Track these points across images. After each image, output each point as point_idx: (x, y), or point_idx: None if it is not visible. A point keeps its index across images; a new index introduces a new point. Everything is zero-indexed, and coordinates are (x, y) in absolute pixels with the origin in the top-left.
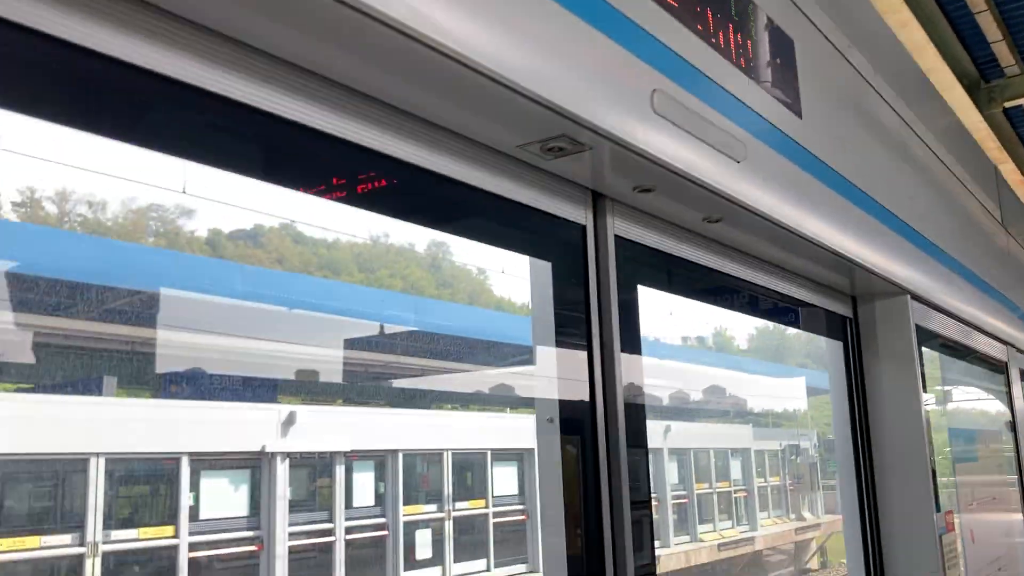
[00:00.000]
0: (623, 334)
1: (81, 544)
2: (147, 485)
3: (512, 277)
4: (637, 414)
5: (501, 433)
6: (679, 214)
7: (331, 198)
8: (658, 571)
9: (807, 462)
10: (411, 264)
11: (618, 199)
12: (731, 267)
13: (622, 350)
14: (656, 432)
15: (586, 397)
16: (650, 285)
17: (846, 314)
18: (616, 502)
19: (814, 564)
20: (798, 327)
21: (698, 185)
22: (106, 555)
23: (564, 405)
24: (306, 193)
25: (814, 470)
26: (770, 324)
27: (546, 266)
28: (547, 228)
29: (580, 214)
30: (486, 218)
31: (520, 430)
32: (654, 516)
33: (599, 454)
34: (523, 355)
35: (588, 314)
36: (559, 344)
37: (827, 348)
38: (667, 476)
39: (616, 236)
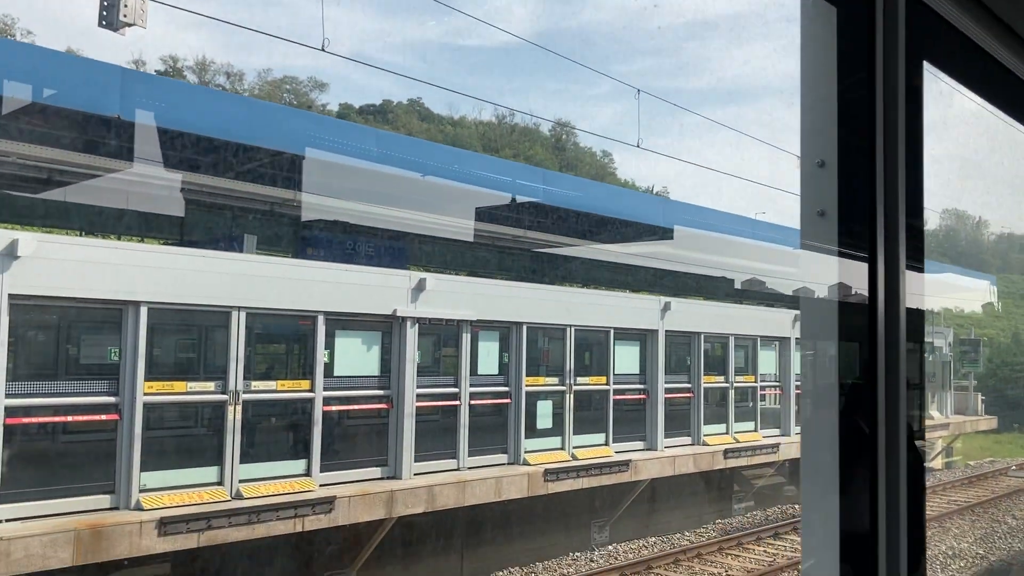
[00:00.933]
0: (907, 124)
1: (223, 392)
2: (284, 341)
3: (645, 152)
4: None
5: (623, 312)
6: None
7: None
8: (784, 457)
9: (940, 360)
10: (535, 144)
11: None
12: None
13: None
14: (785, 321)
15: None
16: (942, 68)
17: None
18: (891, 385)
19: (937, 464)
20: None
21: None
22: (246, 403)
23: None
24: None
25: (946, 369)
26: None
27: (828, 12)
28: None
29: None
30: None
31: (643, 310)
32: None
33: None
34: (657, 234)
35: (871, 90)
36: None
37: None
38: (793, 366)
39: None
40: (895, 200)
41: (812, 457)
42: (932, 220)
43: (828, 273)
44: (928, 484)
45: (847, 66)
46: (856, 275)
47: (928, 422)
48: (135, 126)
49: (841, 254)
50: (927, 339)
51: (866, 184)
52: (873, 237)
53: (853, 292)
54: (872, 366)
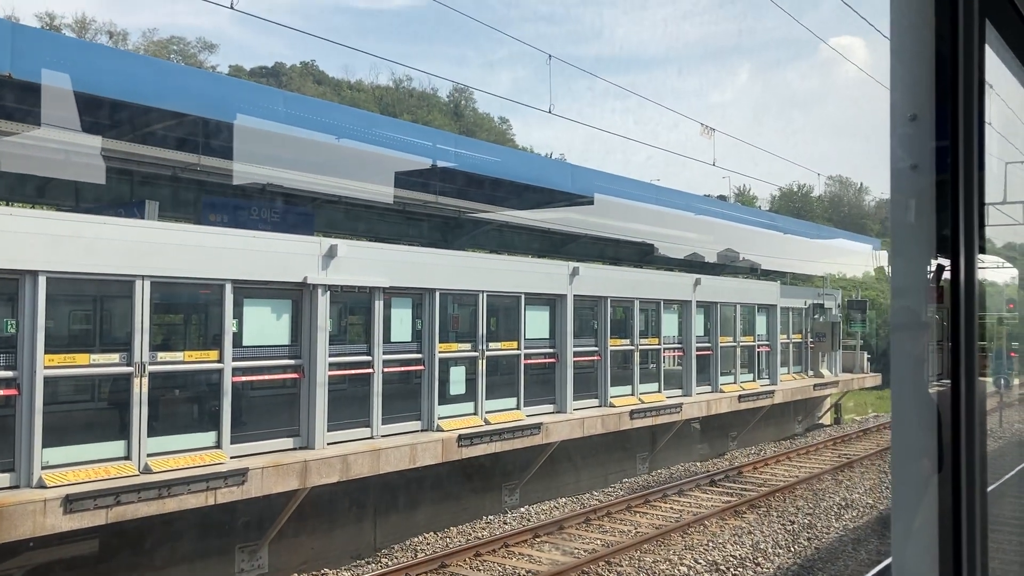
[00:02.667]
0: (979, 80)
1: (128, 364)
2: (191, 310)
3: (543, 119)
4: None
5: (534, 277)
6: None
7: None
8: (687, 417)
9: (829, 320)
10: (433, 110)
11: None
12: None
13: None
14: (687, 285)
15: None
16: (999, 30)
17: None
18: (970, 352)
19: (827, 420)
20: None
21: None
22: (153, 375)
23: None
24: None
25: (835, 329)
26: (794, 185)
27: None
28: None
29: None
30: None
31: (553, 276)
32: (669, 367)
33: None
34: (563, 201)
35: (955, 44)
36: None
37: None
38: (694, 328)
39: None
40: (972, 155)
41: (906, 433)
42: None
43: (924, 229)
44: (821, 440)
45: (940, 18)
46: (945, 231)
47: (818, 380)
48: (27, 85)
49: (937, 208)
50: (818, 301)
51: (957, 138)
52: (955, 192)
53: (942, 250)
54: (955, 331)
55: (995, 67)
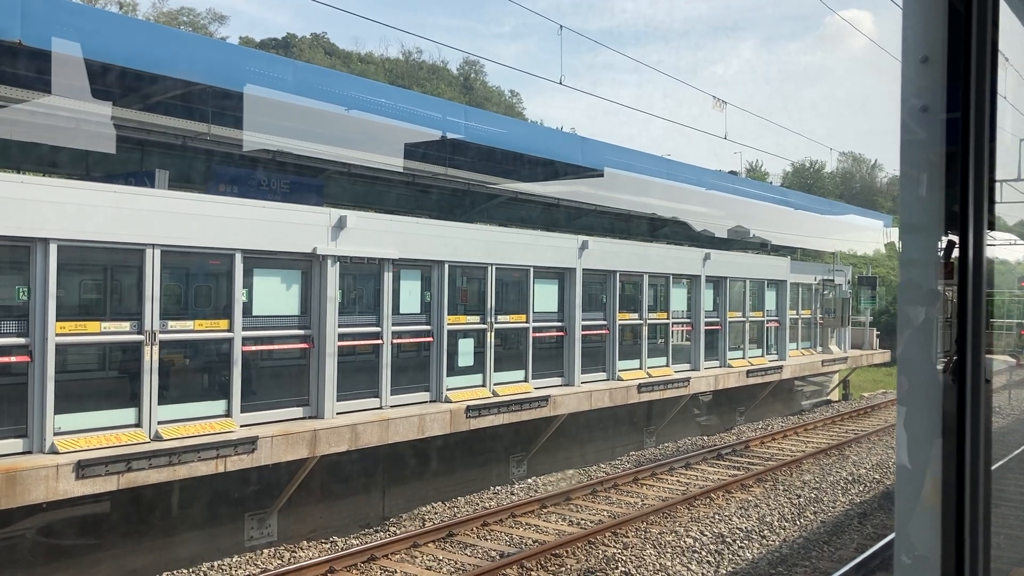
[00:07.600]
0: (992, 24)
1: (139, 332)
2: (201, 279)
3: (550, 93)
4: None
5: (543, 251)
6: None
7: None
8: (695, 391)
9: (839, 296)
10: (440, 82)
11: None
12: None
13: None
14: (696, 259)
15: None
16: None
17: None
18: (976, 327)
19: (835, 396)
20: None
21: None
22: (163, 343)
23: None
24: None
25: (845, 305)
26: (807, 161)
27: None
28: None
29: None
30: None
31: (562, 249)
32: (675, 341)
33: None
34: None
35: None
36: None
37: None
38: (703, 303)
39: None
40: (983, 97)
41: (911, 407)
42: None
43: (933, 173)
44: (829, 416)
45: None
46: (954, 178)
47: (827, 356)
48: (38, 53)
49: (947, 152)
50: (828, 277)
51: (969, 81)
52: (966, 134)
53: (954, 208)
54: (962, 307)
55: (1009, 31)
